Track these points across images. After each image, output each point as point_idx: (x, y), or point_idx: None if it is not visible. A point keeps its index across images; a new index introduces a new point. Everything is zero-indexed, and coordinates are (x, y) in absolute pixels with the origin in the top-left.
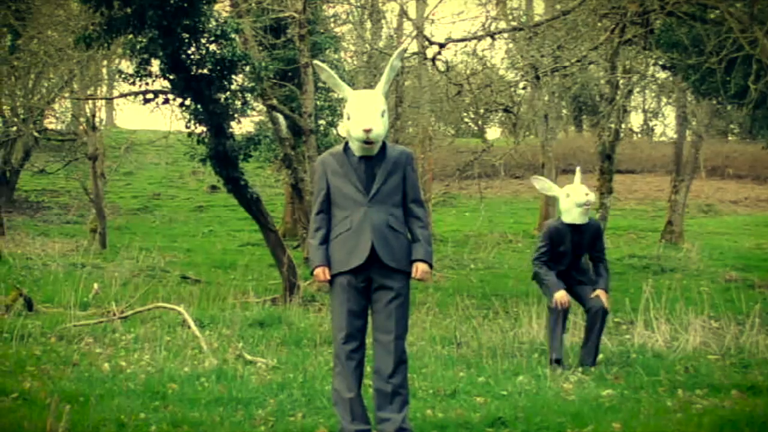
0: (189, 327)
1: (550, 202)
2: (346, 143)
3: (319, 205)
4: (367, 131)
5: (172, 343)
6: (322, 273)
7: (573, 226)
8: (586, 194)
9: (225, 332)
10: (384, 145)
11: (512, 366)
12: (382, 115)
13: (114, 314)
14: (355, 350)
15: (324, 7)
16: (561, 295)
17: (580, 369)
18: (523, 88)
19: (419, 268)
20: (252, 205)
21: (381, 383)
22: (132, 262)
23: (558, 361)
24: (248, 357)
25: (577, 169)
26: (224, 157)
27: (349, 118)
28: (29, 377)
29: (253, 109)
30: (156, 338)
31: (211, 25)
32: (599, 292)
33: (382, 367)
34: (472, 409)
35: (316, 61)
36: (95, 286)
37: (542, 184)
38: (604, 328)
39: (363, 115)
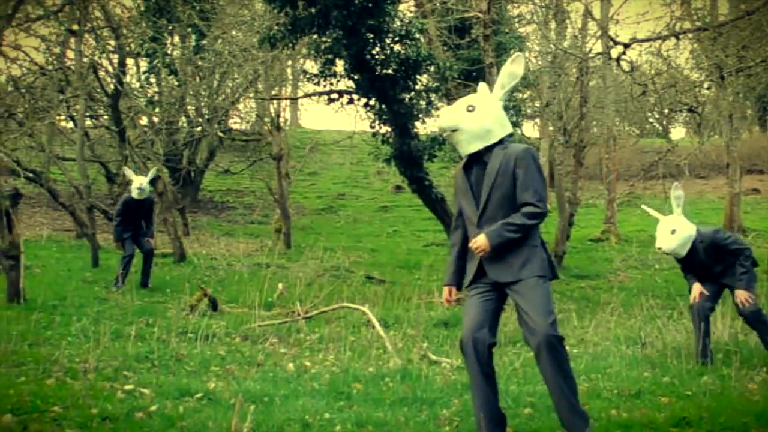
0: (373, 327)
1: (735, 202)
2: None
3: None
4: None
5: (357, 343)
6: None
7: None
8: (659, 248)
9: (409, 332)
10: None
11: (697, 366)
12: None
13: (298, 314)
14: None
15: (509, 7)
16: (693, 290)
17: (765, 369)
18: (708, 88)
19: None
20: (437, 205)
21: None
22: (316, 262)
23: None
24: (433, 357)
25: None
26: (409, 157)
27: None
28: (214, 377)
29: (437, 109)
30: (340, 338)
31: (395, 25)
32: (737, 292)
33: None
34: (656, 409)
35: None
36: (280, 286)
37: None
38: (765, 325)
39: None
